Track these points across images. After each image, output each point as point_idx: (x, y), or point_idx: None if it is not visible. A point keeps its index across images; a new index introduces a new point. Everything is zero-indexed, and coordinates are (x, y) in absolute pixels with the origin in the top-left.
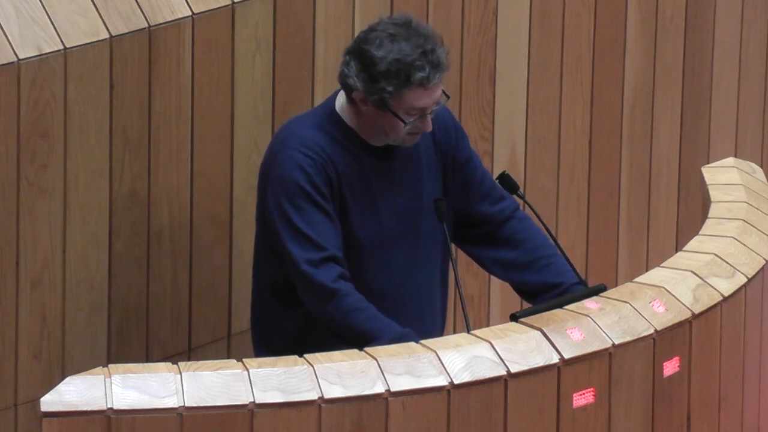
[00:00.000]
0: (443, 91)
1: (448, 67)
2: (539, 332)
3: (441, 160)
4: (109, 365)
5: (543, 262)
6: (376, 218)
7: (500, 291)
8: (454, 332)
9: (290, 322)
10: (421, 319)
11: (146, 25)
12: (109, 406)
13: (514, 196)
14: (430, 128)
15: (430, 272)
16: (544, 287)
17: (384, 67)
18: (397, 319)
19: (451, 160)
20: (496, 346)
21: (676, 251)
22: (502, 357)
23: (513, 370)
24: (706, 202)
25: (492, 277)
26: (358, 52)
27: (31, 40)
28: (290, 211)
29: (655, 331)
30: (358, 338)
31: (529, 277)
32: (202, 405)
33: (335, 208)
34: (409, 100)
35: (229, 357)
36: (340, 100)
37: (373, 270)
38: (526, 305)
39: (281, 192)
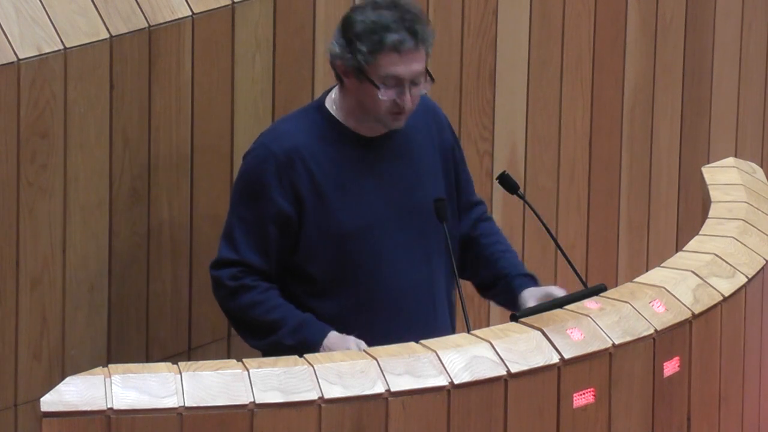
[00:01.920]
0: (428, 74)
1: (427, 40)
2: (539, 332)
3: (442, 161)
4: (109, 365)
5: (495, 257)
6: (360, 209)
7: None
8: (454, 332)
9: None
10: (420, 317)
11: (146, 25)
12: (109, 406)
13: (515, 196)
14: (409, 105)
15: (430, 271)
16: (494, 279)
17: (360, 28)
18: (392, 314)
19: (453, 162)
20: (496, 346)
21: (676, 251)
22: (502, 357)
23: (513, 370)
24: (706, 202)
25: None
26: (342, 20)
27: (31, 40)
28: (236, 203)
29: (655, 331)
30: (261, 328)
31: (482, 272)
32: (202, 405)
33: (298, 201)
34: (383, 65)
35: (229, 357)
36: (332, 95)
37: (362, 261)
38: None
39: (239, 180)
